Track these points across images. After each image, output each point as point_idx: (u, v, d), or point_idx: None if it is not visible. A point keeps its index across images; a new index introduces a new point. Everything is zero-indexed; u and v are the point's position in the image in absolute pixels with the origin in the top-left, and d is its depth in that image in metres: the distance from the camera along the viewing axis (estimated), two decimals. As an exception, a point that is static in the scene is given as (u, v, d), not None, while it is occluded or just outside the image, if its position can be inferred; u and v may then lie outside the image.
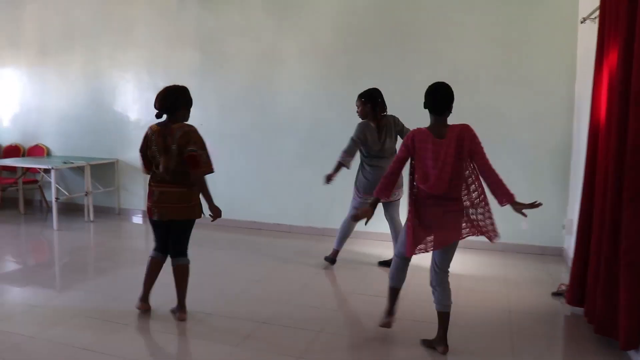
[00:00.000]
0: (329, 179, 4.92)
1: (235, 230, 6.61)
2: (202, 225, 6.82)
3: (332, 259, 5.19)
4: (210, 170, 3.71)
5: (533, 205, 3.01)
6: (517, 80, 5.60)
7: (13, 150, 7.99)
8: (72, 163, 6.77)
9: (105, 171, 7.43)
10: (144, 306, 3.92)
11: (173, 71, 6.97)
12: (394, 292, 3.53)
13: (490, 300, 4.32)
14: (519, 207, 3.06)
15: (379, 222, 6.12)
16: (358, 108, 5.03)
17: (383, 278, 4.69)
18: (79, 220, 7.10)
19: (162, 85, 6.95)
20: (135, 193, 7.42)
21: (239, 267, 5.19)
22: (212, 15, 6.74)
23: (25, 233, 6.67)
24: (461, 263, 5.28)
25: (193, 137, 3.61)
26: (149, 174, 3.79)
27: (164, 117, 3.68)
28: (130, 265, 5.33)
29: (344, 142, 6.13)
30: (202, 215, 3.86)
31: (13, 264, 5.47)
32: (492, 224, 3.27)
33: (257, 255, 5.61)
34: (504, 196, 3.08)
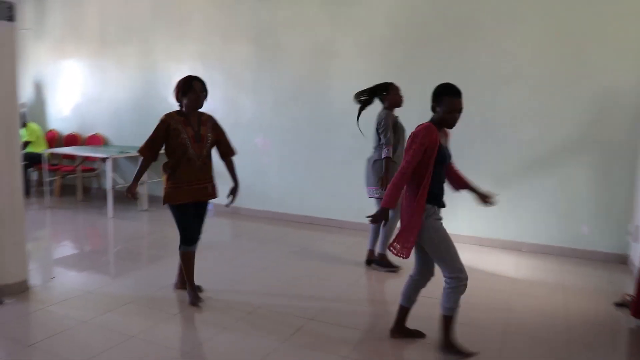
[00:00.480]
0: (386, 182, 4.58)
1: (286, 223, 6.61)
2: (252, 218, 6.95)
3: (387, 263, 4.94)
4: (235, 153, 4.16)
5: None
6: (581, 76, 5.32)
7: (73, 139, 8.25)
8: (128, 152, 6.92)
9: (159, 161, 7.51)
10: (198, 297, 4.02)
11: (227, 64, 7.01)
12: (405, 311, 3.43)
13: (546, 306, 4.12)
14: None
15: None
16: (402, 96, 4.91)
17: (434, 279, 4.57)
18: (133, 208, 7.26)
19: (216, 77, 7.16)
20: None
21: (289, 262, 5.16)
22: (267, 8, 6.73)
23: (82, 220, 6.86)
24: (515, 266, 5.09)
25: (221, 127, 4.02)
26: (152, 161, 3.93)
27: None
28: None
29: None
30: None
31: (70, 250, 5.63)
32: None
33: (307, 250, 5.57)
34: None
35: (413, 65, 5.97)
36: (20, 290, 4.07)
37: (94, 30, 8.02)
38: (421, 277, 3.31)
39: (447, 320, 3.15)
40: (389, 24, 6.08)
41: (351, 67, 6.32)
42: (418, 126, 3.10)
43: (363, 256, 5.25)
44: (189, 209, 3.89)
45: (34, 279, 4.40)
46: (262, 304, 4.00)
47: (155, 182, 7.52)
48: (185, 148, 3.75)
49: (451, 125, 3.10)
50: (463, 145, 5.71)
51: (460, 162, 5.86)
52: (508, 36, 5.53)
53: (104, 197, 7.88)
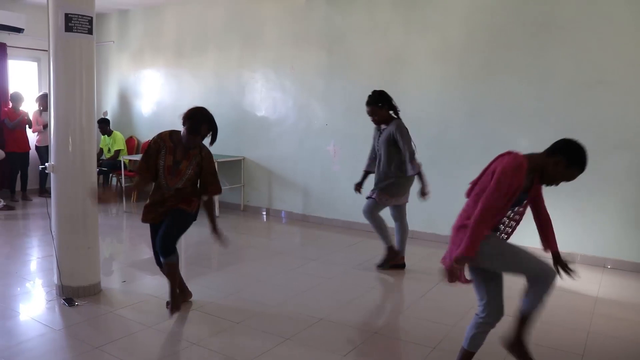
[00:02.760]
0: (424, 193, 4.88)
1: (356, 232, 6.49)
2: (321, 226, 6.89)
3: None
4: None
5: None
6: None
7: (151, 146, 8.52)
8: (201, 159, 7.04)
9: (232, 168, 7.67)
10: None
11: (299, 71, 7.01)
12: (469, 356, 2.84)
13: (631, 331, 3.75)
14: None
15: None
16: (373, 116, 4.89)
17: (505, 293, 4.30)
18: (205, 215, 7.37)
19: (288, 84, 7.19)
20: (260, 190, 7.56)
21: (355, 273, 5.03)
22: (339, 14, 6.66)
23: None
24: (598, 284, 4.70)
25: (211, 165, 3.88)
26: (151, 181, 3.85)
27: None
28: (250, 262, 5.41)
29: (474, 147, 5.82)
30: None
31: (142, 254, 5.77)
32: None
33: (375, 261, 5.43)
34: None
35: (491, 71, 5.70)
36: (92, 292, 4.19)
37: (170, 41, 8.27)
38: (487, 316, 2.74)
39: (526, 319, 2.68)
40: (465, 28, 5.84)
41: (425, 74, 6.12)
42: (508, 154, 2.63)
43: (434, 268, 5.04)
44: (156, 229, 3.82)
45: (107, 282, 4.52)
46: (325, 316, 3.89)
47: (227, 189, 7.63)
48: (159, 174, 3.70)
49: (549, 184, 2.66)
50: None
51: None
52: (592, 38, 5.16)
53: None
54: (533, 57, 5.44)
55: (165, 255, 3.69)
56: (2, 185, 7.77)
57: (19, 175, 7.97)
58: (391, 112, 4.92)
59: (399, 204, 5.01)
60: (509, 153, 2.63)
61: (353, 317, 3.90)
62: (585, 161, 2.60)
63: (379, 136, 4.96)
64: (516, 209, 2.71)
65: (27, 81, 8.63)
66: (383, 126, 4.93)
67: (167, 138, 3.70)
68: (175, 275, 3.80)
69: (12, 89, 8.11)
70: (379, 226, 5.05)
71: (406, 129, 4.82)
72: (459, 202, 5.86)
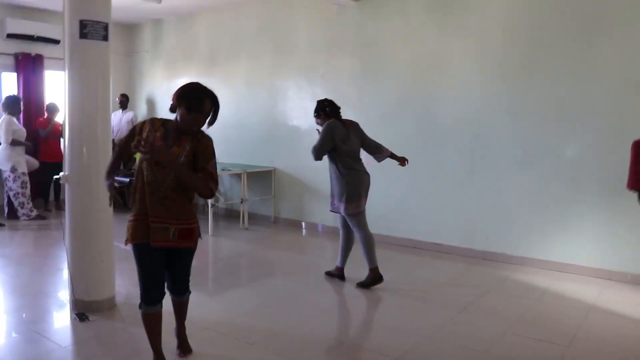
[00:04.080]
0: None
1: (389, 247, 6.16)
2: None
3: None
4: None
5: None
6: None
7: (182, 156, 8.44)
8: (230, 170, 6.89)
9: (262, 179, 7.48)
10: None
11: (331, 78, 6.78)
12: None
13: None
14: None
15: (548, 247, 5.31)
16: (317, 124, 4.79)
17: (548, 318, 3.92)
18: (234, 227, 7.21)
19: (319, 93, 6.96)
20: (292, 202, 7.34)
21: (387, 290, 4.72)
22: (372, 20, 6.40)
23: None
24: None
25: (209, 153, 2.99)
26: (120, 158, 3.08)
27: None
28: (277, 277, 5.19)
29: (515, 154, 5.44)
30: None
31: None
32: None
33: (408, 277, 5.12)
34: None
35: (532, 72, 5.31)
36: (107, 307, 4.03)
37: (203, 50, 8.19)
38: None
39: None
40: (503, 28, 5.48)
41: (461, 78, 5.78)
42: None
43: (469, 286, 4.71)
44: (152, 254, 2.88)
45: (124, 296, 4.37)
46: (352, 336, 3.62)
47: (257, 200, 7.45)
48: (144, 167, 2.83)
49: None
50: (591, 156, 5.00)
51: (588, 173, 5.19)
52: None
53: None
54: (579, 55, 5.04)
55: (183, 293, 3.22)
56: (36, 195, 7.81)
57: (52, 185, 8.00)
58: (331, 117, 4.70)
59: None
60: None
61: (379, 339, 3.61)
62: None
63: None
64: None
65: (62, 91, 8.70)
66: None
67: (158, 122, 2.94)
68: (186, 313, 3.30)
69: (48, 99, 8.18)
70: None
71: (329, 127, 4.60)
72: (498, 214, 5.58)
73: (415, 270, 5.37)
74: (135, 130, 2.92)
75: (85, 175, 3.93)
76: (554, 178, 5.24)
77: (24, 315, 4.00)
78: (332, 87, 6.75)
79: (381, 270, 4.66)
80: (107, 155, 4.01)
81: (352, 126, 4.78)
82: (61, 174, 4.01)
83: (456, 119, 5.83)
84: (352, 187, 4.62)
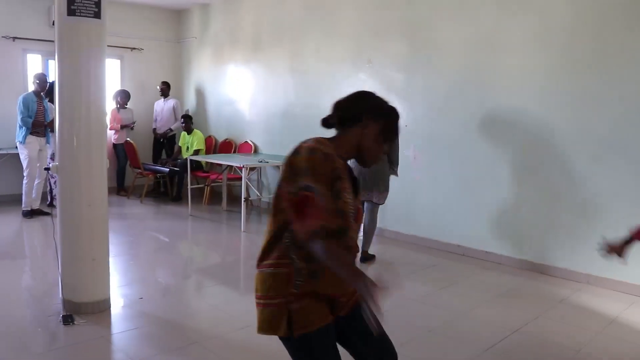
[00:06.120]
0: None
1: (436, 252, 5.52)
2: (396, 242, 5.95)
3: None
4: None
5: None
6: None
7: (226, 145, 8.14)
8: (267, 162, 6.44)
9: (302, 172, 6.99)
10: None
11: (377, 64, 6.16)
12: None
13: None
14: None
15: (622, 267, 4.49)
16: None
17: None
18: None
19: (365, 79, 6.35)
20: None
21: (432, 300, 4.18)
22: (423, -1, 5.72)
23: (210, 232, 6.52)
24: None
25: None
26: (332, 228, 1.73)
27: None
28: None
29: (583, 154, 4.64)
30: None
31: (177, 268, 5.24)
32: None
33: (455, 287, 4.49)
34: None
35: (605, 59, 4.47)
36: (98, 309, 3.71)
37: (248, 35, 7.79)
38: None
39: None
40: (572, 7, 4.67)
41: (522, 64, 5.00)
42: None
43: (522, 301, 4.06)
44: (332, 340, 1.86)
45: (122, 297, 4.07)
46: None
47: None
48: (346, 218, 1.80)
49: None
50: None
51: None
52: None
53: (251, 206, 7.63)
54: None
55: None
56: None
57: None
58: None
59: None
60: None
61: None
62: None
63: None
64: None
65: (110, 79, 8.61)
66: None
67: (334, 153, 1.81)
68: None
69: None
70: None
71: None
72: (552, 223, 4.78)
73: (465, 279, 4.71)
74: (331, 176, 1.75)
75: (75, 166, 3.60)
76: (633, 179, 4.39)
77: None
78: (378, 74, 6.14)
79: (424, 277, 4.10)
80: (101, 147, 3.68)
81: None
82: (52, 164, 3.71)
83: (516, 110, 5.07)
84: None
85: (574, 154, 4.70)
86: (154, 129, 8.47)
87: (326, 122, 1.94)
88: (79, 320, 3.54)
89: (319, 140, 1.79)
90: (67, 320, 3.52)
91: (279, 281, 1.76)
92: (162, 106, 8.41)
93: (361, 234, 5.08)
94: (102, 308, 3.74)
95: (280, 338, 1.79)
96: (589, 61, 4.57)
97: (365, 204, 5.01)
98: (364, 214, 5.02)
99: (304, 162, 1.72)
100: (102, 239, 3.75)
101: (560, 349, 3.36)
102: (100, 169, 3.70)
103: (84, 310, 3.65)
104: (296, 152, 1.77)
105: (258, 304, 1.82)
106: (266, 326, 1.79)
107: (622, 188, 4.42)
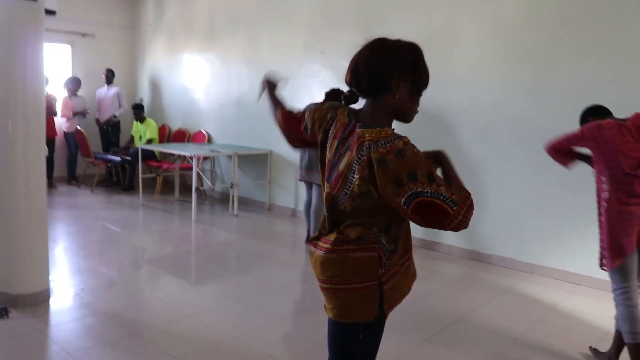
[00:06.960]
0: None
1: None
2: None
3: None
4: None
5: None
6: None
7: (180, 135, 8.03)
8: (219, 152, 6.36)
9: (257, 162, 6.95)
10: None
11: (331, 54, 6.14)
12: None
13: None
14: None
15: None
16: None
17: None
18: (224, 212, 6.72)
19: (318, 68, 6.33)
20: (287, 189, 6.78)
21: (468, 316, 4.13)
22: (377, -10, 5.72)
23: (161, 222, 6.41)
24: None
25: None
26: None
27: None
28: (256, 270, 4.67)
29: (532, 147, 4.68)
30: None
31: (122, 256, 5.16)
32: None
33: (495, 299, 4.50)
34: None
35: (557, 53, 4.54)
36: (36, 301, 3.60)
37: (203, 24, 7.67)
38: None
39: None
40: (522, 2, 4.73)
41: (474, 57, 5.04)
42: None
43: (468, 291, 4.09)
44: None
45: (66, 287, 3.97)
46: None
47: (251, 185, 6.94)
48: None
49: None
50: None
51: None
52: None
53: (205, 196, 7.54)
54: (614, 34, 4.25)
55: None
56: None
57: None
58: None
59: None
60: None
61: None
62: None
63: None
64: None
65: (60, 65, 8.35)
66: None
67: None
68: None
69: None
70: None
71: None
72: (549, 227, 4.76)
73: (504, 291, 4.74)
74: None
75: (11, 155, 3.47)
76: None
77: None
78: (331, 65, 6.13)
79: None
80: (39, 134, 3.58)
81: None
82: (-15, 151, 3.57)
83: (466, 102, 5.13)
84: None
85: (522, 147, 4.76)
86: (97, 119, 8.23)
87: (350, 100, 1.78)
88: (14, 313, 3.43)
89: (394, 132, 1.64)
90: (1, 313, 3.41)
91: (371, 264, 1.67)
92: (106, 93, 8.17)
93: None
94: (40, 300, 3.64)
95: (351, 324, 1.71)
96: (540, 55, 4.64)
97: (314, 186, 5.02)
98: (314, 196, 5.03)
99: (416, 161, 1.58)
100: (39, 230, 3.64)
101: (501, 336, 3.42)
102: (38, 157, 3.59)
103: (20, 302, 3.54)
104: (399, 154, 1.56)
105: (339, 290, 1.70)
106: (358, 309, 1.69)
107: (568, 177, 4.49)
